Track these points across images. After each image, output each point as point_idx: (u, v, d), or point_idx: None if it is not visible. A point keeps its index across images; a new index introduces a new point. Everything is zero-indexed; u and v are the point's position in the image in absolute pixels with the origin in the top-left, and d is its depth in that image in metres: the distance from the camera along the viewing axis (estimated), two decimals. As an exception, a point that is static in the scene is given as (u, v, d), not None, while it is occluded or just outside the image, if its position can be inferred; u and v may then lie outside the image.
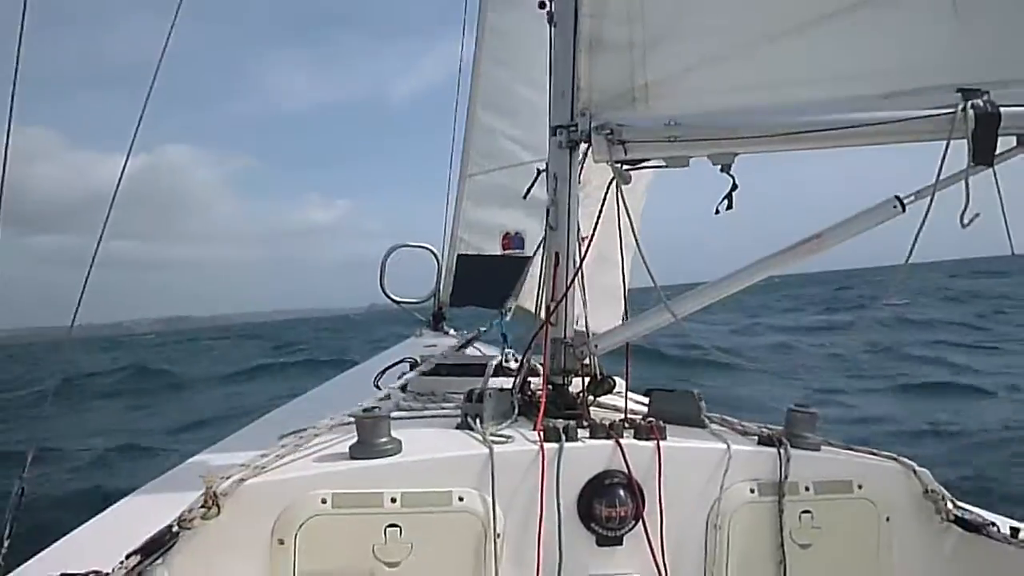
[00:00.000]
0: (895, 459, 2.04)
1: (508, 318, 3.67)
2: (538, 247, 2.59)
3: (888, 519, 1.96)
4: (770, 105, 2.14)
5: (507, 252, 4.47)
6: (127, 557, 1.46)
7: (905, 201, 2.05)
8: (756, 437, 2.04)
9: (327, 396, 3.30)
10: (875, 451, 2.06)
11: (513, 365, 2.77)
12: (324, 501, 1.68)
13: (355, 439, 1.80)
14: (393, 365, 2.91)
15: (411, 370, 2.78)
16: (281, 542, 1.67)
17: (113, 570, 1.44)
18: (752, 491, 1.90)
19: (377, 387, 2.76)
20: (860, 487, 1.95)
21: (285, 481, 1.71)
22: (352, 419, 1.87)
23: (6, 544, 1.76)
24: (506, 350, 3.18)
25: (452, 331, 4.94)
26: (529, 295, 3.55)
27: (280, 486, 1.69)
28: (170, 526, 1.55)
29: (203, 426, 11.54)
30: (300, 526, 1.67)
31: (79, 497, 6.98)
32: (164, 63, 2.61)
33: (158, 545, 1.51)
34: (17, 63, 2.03)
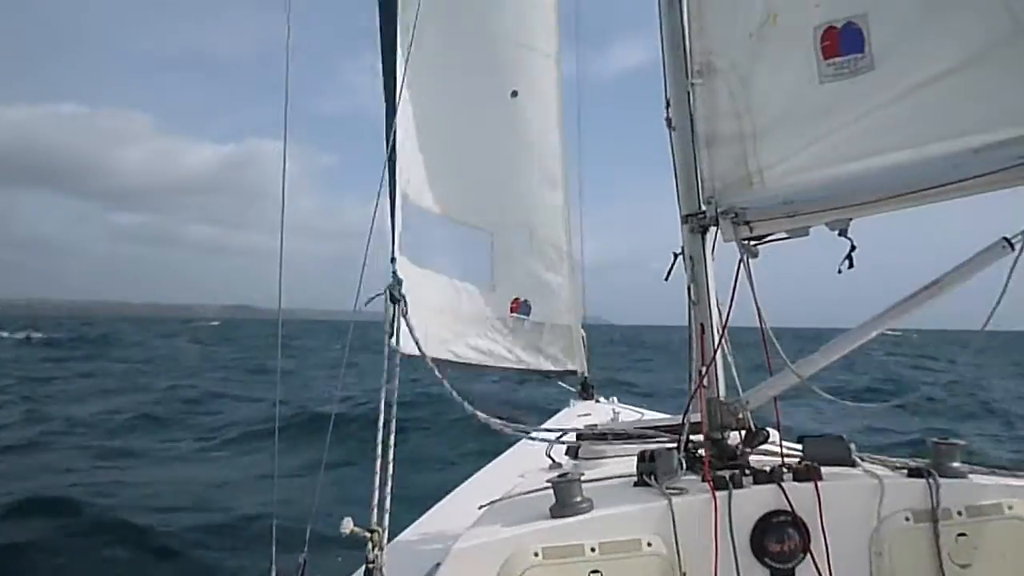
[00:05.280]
0: None
1: None
2: None
3: None
4: (875, 170, 2.37)
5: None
6: None
7: (1013, 240, 2.21)
8: (905, 471, 2.24)
9: (506, 469, 3.68)
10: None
11: None
12: (536, 554, 2.04)
13: (552, 501, 2.15)
14: (561, 436, 3.25)
15: (577, 439, 3.11)
16: None
17: None
18: (907, 519, 2.10)
19: (550, 456, 3.11)
20: (1010, 508, 2.12)
21: (503, 540, 2.08)
22: (545, 485, 2.23)
23: None
24: None
25: (602, 399, 5.24)
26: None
27: (500, 544, 2.07)
28: None
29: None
30: None
31: None
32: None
33: None
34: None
